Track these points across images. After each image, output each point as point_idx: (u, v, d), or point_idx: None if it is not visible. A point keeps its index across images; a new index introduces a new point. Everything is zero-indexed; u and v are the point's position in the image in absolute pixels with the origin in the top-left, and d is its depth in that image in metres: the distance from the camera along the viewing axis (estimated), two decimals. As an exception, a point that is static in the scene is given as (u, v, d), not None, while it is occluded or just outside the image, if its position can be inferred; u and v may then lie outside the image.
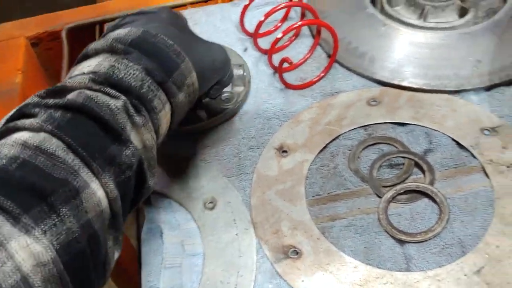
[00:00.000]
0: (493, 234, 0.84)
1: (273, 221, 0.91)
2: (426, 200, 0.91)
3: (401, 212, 0.90)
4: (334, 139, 1.03)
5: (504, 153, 0.95)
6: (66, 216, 0.53)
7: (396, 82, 1.10)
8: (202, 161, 1.02)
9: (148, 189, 0.71)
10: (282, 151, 1.02)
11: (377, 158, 0.98)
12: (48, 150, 0.55)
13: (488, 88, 1.07)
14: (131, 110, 0.62)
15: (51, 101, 0.61)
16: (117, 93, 0.63)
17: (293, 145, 1.03)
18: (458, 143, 0.99)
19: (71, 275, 0.52)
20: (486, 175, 0.93)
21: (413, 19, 1.20)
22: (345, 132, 1.04)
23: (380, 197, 0.92)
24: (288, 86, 1.14)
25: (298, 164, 0.99)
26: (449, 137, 1.00)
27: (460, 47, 1.11)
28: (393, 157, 0.97)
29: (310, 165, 0.99)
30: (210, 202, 0.94)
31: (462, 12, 1.21)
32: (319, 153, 1.01)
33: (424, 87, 1.07)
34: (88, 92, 0.62)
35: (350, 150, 1.01)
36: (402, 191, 0.92)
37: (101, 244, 0.58)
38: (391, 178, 0.95)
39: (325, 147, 1.02)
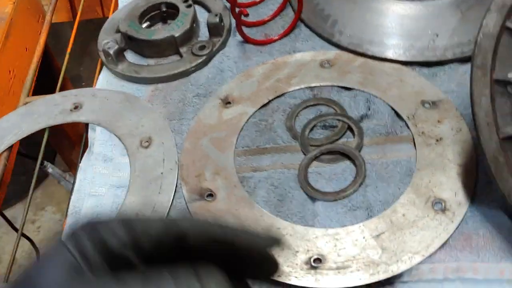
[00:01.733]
0: (403, 202, 0.86)
1: (199, 165, 0.95)
2: (348, 162, 0.93)
3: (322, 171, 0.93)
4: (279, 96, 1.05)
5: (438, 126, 0.95)
6: None
7: (351, 47, 1.10)
8: (149, 102, 1.07)
9: None
10: (227, 102, 1.05)
11: (312, 118, 1.00)
12: None
13: (442, 63, 1.06)
14: None
15: None
16: None
17: (238, 97, 1.06)
18: (396, 112, 0.99)
19: None
20: (414, 146, 0.94)
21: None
22: (291, 91, 1.05)
23: (306, 154, 0.95)
24: (247, 40, 1.16)
25: (238, 116, 1.02)
26: (389, 105, 1.00)
27: (421, 19, 1.10)
28: (329, 119, 0.99)
29: (249, 118, 1.02)
30: (146, 141, 0.99)
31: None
32: (261, 107, 1.04)
33: (377, 55, 1.08)
34: None
35: (291, 108, 1.03)
36: (326, 151, 0.94)
37: None
38: (322, 138, 0.97)
39: (268, 102, 1.04)
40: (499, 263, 0.78)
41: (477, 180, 0.86)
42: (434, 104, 0.99)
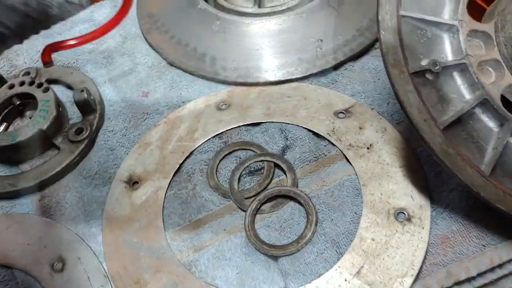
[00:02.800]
0: (366, 226, 0.79)
1: (132, 269, 0.79)
2: (292, 203, 0.84)
3: (269, 222, 0.83)
4: (188, 156, 0.93)
5: (362, 133, 0.91)
6: None
7: (241, 80, 1.02)
8: (42, 215, 0.88)
9: None
10: (133, 183, 0.90)
11: (235, 168, 0.89)
12: None
13: (336, 67, 1.02)
14: None
15: None
16: None
17: (144, 173, 0.91)
18: (314, 133, 0.93)
19: None
20: (349, 161, 0.88)
21: (249, 7, 1.13)
22: (199, 146, 0.94)
23: (245, 211, 0.84)
24: (128, 106, 1.02)
25: (152, 194, 0.88)
26: (305, 128, 0.94)
27: (299, 29, 1.05)
28: (252, 163, 0.89)
29: (166, 192, 0.88)
30: (58, 263, 0.81)
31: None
32: (174, 175, 0.91)
33: (271, 80, 1.01)
34: None
35: (207, 164, 0.91)
36: (265, 199, 0.84)
37: None
38: (254, 186, 0.87)
39: (179, 167, 0.92)
40: (484, 252, 0.75)
41: (426, 175, 0.83)
42: (348, 111, 0.94)
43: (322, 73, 1.01)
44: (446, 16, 0.81)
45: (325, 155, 0.89)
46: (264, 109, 0.97)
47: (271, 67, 1.01)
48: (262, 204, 0.84)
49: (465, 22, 0.80)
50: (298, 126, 0.94)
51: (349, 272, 0.74)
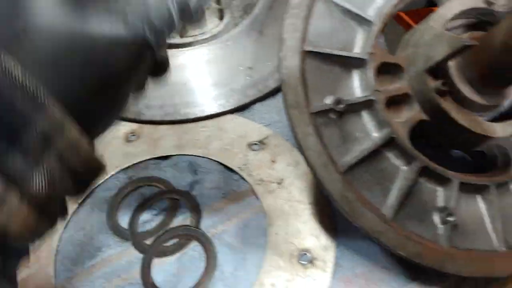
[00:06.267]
0: (268, 270, 0.74)
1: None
2: (193, 244, 0.79)
3: (167, 267, 0.77)
4: (88, 196, 0.87)
5: (273, 168, 0.86)
6: None
7: (168, 118, 0.95)
8: None
9: None
10: (27, 223, 0.83)
11: (136, 207, 0.84)
12: None
13: (267, 96, 0.97)
14: None
15: None
16: None
17: (40, 212, 0.85)
18: (227, 167, 0.88)
19: None
20: (258, 198, 0.83)
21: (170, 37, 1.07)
22: (102, 182, 0.88)
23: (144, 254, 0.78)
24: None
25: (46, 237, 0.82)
26: (216, 161, 0.88)
27: (226, 58, 1.00)
28: (155, 202, 0.84)
29: (62, 234, 0.82)
30: None
31: (221, 15, 1.11)
32: (72, 215, 0.84)
33: (200, 115, 0.95)
34: None
35: (109, 203, 0.86)
36: (165, 241, 0.79)
37: None
38: (156, 227, 0.82)
39: (79, 206, 0.85)
40: (385, 298, 0.71)
41: (334, 213, 0.78)
42: (261, 143, 0.89)
43: (251, 102, 0.95)
44: (357, 49, 0.77)
45: (235, 191, 0.84)
46: (176, 141, 0.92)
47: (200, 101, 0.95)
48: (161, 246, 0.78)
49: (376, 54, 0.76)
50: (210, 159, 0.88)
51: (246, 324, 0.69)
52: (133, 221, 0.81)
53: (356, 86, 0.75)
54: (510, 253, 0.72)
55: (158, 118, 0.94)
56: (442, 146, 0.81)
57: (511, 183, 0.75)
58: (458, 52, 0.67)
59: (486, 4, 0.73)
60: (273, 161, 0.86)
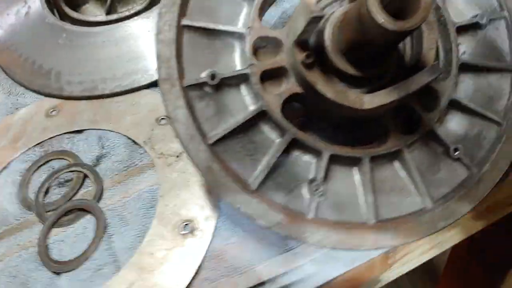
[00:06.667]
0: (150, 240, 0.77)
1: None
2: (89, 217, 0.83)
3: (64, 237, 0.82)
4: (5, 167, 0.92)
5: (175, 142, 0.88)
6: None
7: (87, 93, 0.97)
8: None
9: None
10: None
11: (44, 179, 0.88)
12: None
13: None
14: None
15: None
16: None
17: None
18: (134, 141, 0.91)
19: None
20: (156, 170, 0.86)
21: (97, 15, 1.10)
22: (18, 156, 0.93)
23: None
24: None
25: (-40, 207, 0.88)
26: (125, 136, 0.92)
27: (145, 34, 1.02)
28: (62, 174, 0.88)
29: (-25, 206, 0.88)
30: None
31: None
32: (-13, 187, 0.90)
33: (116, 90, 0.97)
34: None
35: (22, 175, 0.91)
36: (64, 213, 0.83)
37: None
38: (59, 199, 0.86)
39: (-5, 178, 0.91)
40: (254, 267, 0.73)
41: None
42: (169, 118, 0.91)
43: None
44: (240, 24, 0.78)
45: (136, 165, 0.88)
46: (92, 115, 0.95)
47: (117, 76, 0.98)
48: (61, 217, 0.83)
49: (255, 29, 0.76)
50: (119, 133, 0.92)
51: (121, 290, 0.73)
52: (38, 193, 0.86)
53: (237, 60, 0.76)
54: (380, 225, 0.73)
55: (77, 93, 0.97)
56: (331, 120, 0.82)
57: (388, 156, 0.75)
58: (311, 24, 0.67)
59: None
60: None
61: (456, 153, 0.77)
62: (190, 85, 0.73)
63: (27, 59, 1.04)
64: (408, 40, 0.78)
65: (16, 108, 1.00)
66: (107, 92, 0.96)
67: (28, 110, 0.99)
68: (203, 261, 0.74)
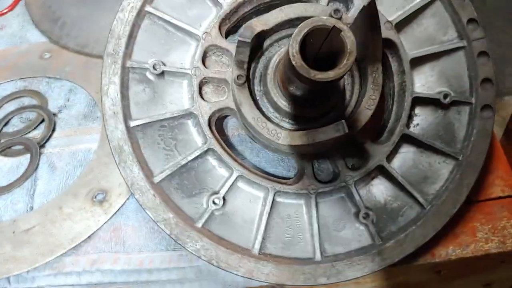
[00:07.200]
0: (65, 195, 0.83)
1: None
2: (28, 155, 0.90)
3: (2, 165, 0.90)
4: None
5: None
6: None
7: (78, 48, 1.04)
8: None
9: None
10: None
11: (11, 111, 0.96)
12: None
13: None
14: None
15: None
16: None
17: None
18: (96, 104, 0.97)
19: None
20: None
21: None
22: (3, 83, 1.01)
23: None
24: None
25: None
26: (91, 97, 0.98)
27: None
28: (26, 111, 0.96)
29: None
30: None
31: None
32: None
33: (102, 54, 1.04)
34: None
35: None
36: (11, 144, 0.91)
37: None
38: (14, 131, 0.93)
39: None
40: (140, 253, 0.77)
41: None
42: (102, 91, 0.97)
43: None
44: (203, 27, 0.80)
45: (88, 126, 0.94)
46: (74, 69, 1.03)
47: None
48: (6, 148, 0.91)
49: (211, 36, 0.79)
50: (87, 92, 0.99)
51: (22, 227, 0.80)
52: (2, 121, 0.94)
53: (187, 59, 0.80)
54: (263, 257, 0.74)
55: (70, 45, 1.06)
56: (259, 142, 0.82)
57: (295, 196, 0.77)
58: (239, 47, 0.71)
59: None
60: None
61: (365, 219, 0.77)
62: (133, 67, 0.77)
63: (45, 2, 1.12)
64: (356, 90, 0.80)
65: (21, 42, 1.08)
66: (95, 52, 1.03)
67: (27, 47, 1.07)
68: (98, 230, 0.79)
